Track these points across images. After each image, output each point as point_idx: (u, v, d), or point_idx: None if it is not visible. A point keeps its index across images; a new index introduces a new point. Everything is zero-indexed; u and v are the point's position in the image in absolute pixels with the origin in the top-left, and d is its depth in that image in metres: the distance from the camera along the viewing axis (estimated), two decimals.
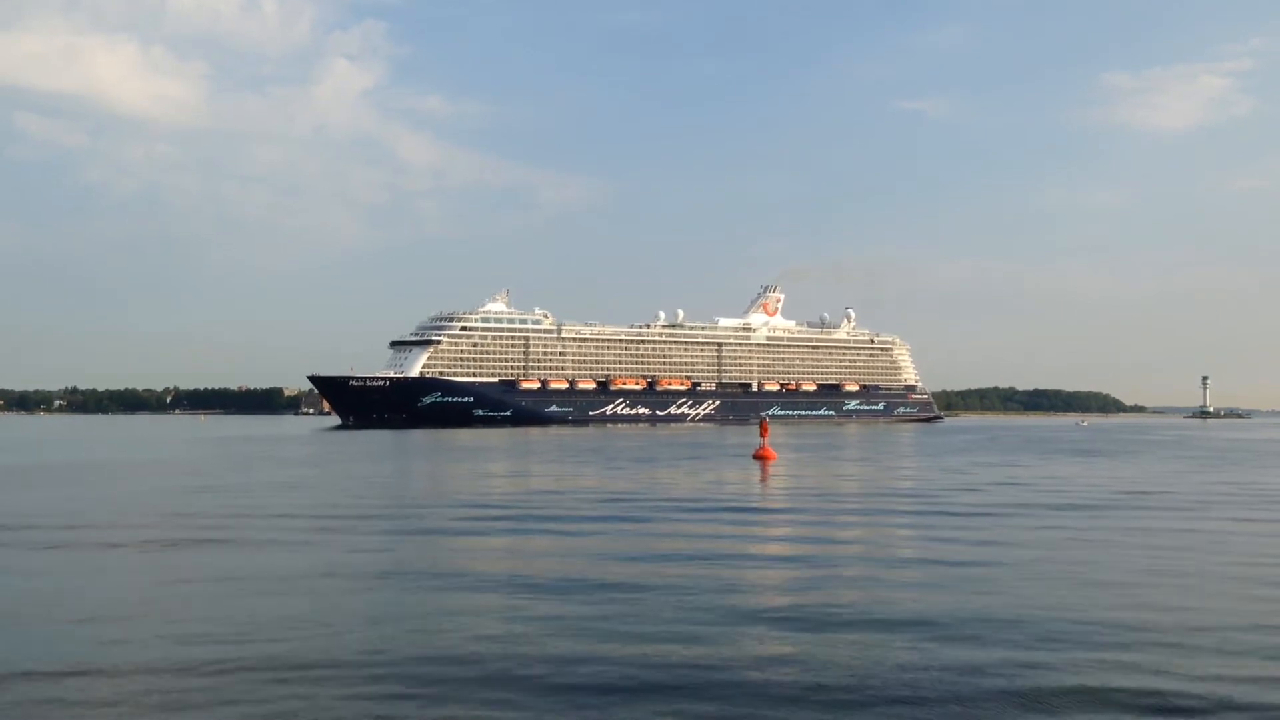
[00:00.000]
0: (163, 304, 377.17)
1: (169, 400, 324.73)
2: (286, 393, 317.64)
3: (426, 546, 20.32)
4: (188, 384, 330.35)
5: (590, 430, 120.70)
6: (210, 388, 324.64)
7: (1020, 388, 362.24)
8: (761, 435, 55.83)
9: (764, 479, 40.45)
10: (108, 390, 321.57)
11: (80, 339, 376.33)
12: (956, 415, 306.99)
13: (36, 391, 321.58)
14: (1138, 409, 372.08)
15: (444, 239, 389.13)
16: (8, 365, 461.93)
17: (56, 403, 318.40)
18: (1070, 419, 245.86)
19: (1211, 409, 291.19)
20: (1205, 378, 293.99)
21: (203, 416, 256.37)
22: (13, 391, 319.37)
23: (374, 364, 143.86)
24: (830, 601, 14.22)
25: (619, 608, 13.69)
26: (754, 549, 20.30)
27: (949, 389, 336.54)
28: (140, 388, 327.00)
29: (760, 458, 51.75)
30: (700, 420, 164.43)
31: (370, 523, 24.18)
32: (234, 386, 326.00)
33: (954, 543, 20.75)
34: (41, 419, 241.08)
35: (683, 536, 21.59)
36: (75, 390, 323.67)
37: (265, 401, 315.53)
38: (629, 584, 15.52)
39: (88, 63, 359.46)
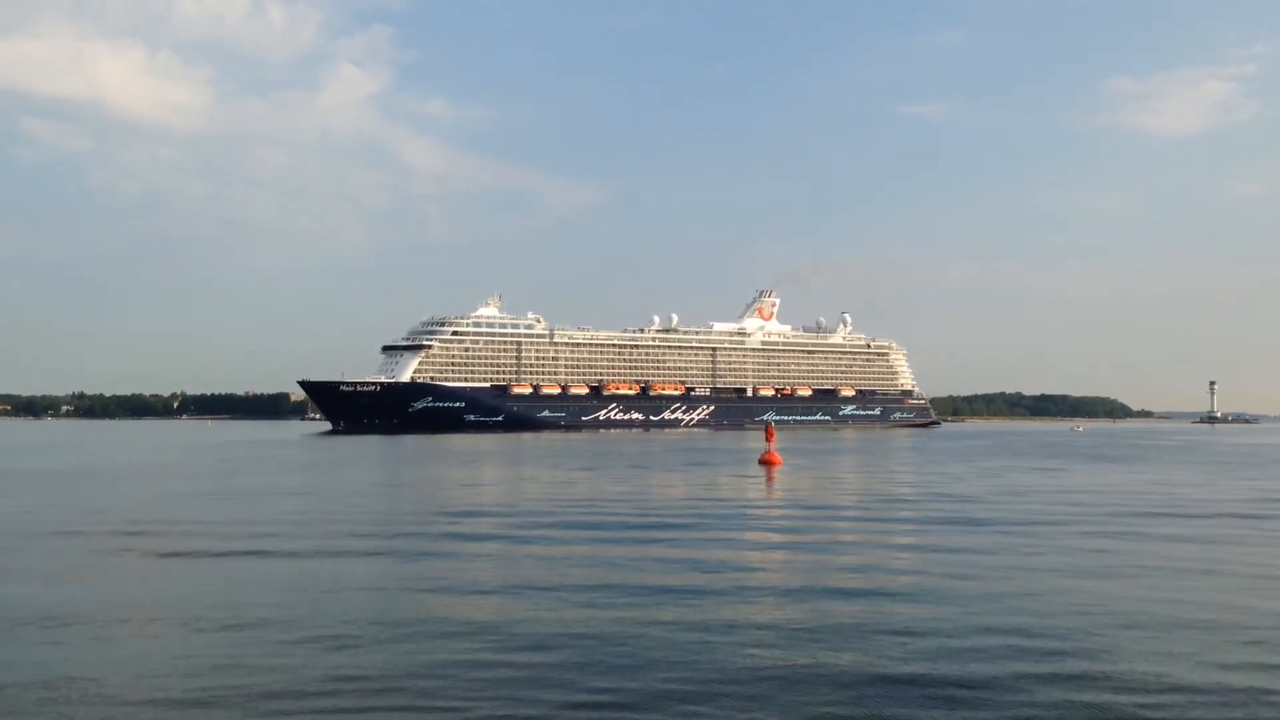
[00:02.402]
0: (168, 308, 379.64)
1: (176, 405, 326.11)
2: (293, 398, 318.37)
3: (397, 592, 16.64)
4: (195, 389, 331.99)
5: (583, 436, 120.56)
6: (217, 393, 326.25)
7: (1027, 393, 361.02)
8: (767, 440, 56.05)
9: (769, 486, 40.24)
10: (115, 395, 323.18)
11: (86, 343, 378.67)
12: (963, 420, 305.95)
13: (44, 397, 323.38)
14: (1145, 414, 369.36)
15: (447, 243, 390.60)
16: (14, 370, 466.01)
17: (64, 408, 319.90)
18: (1066, 425, 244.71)
19: (1219, 414, 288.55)
20: (1213, 382, 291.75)
21: (209, 422, 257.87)
22: (20, 397, 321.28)
23: (371, 369, 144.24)
24: (849, 659, 11.89)
25: (606, 656, 12.00)
26: (759, 580, 17.83)
27: (955, 394, 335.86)
28: (147, 393, 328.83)
29: (766, 462, 51.89)
30: (694, 426, 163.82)
31: (343, 542, 22.44)
32: (241, 391, 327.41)
33: (960, 552, 20.16)
34: (48, 424, 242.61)
35: (684, 564, 19.07)
36: (82, 395, 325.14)
37: (271, 406, 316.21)
38: (624, 626, 13.47)
39: (92, 68, 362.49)
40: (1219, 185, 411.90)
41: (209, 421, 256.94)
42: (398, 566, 19.12)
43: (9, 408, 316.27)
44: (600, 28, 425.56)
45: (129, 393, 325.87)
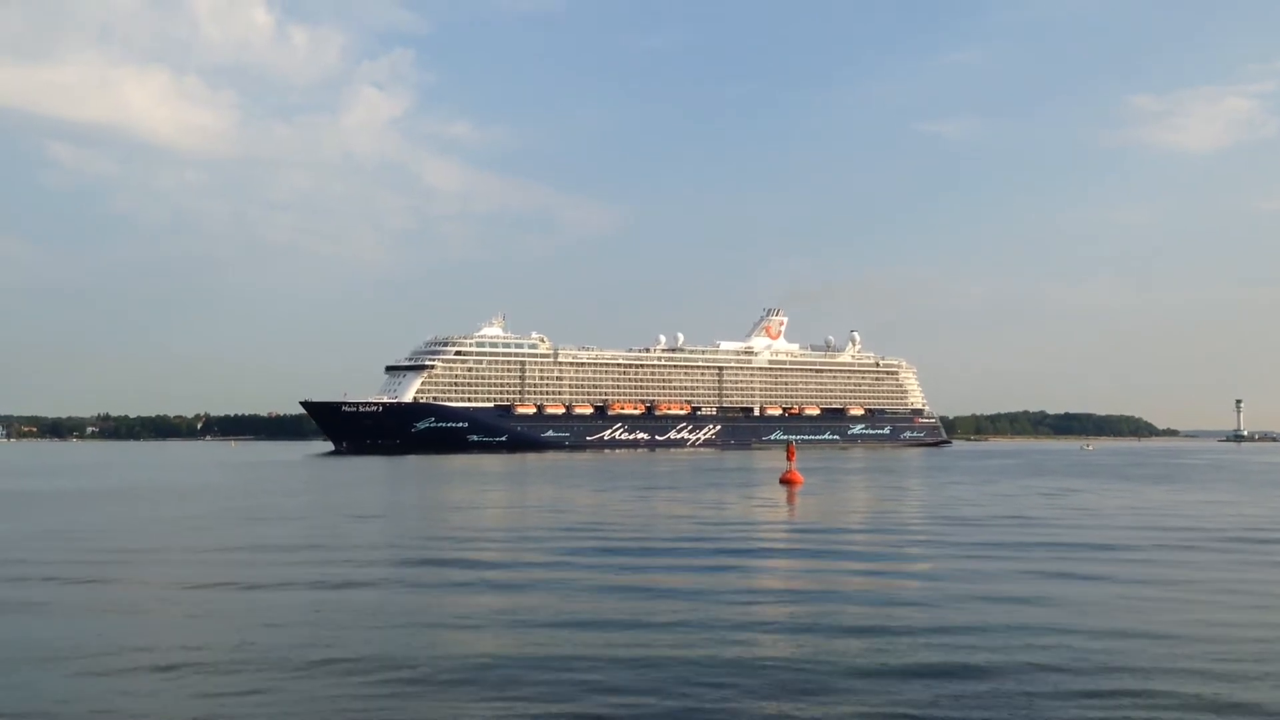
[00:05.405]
0: (193, 330, 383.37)
1: (199, 426, 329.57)
2: None
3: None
4: (219, 409, 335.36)
5: (588, 456, 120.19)
6: (240, 414, 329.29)
7: (1051, 411, 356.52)
8: (788, 459, 57.25)
9: (791, 506, 40.57)
10: (139, 416, 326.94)
11: (111, 365, 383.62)
12: (986, 439, 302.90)
13: (69, 418, 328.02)
14: (1170, 433, 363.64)
15: (468, 263, 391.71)
16: (40, 392, 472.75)
17: (89, 429, 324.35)
18: (1078, 443, 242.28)
19: (1245, 432, 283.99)
20: (1239, 401, 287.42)
21: (233, 443, 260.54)
22: (45, 418, 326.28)
23: (375, 389, 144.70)
24: None
25: None
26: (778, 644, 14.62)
27: (979, 413, 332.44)
28: (172, 414, 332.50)
29: (787, 481, 53.20)
30: (700, 445, 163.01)
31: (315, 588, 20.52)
32: (264, 412, 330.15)
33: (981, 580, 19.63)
34: (74, 445, 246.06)
35: (728, 624, 15.78)
36: (107, 417, 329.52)
37: (294, 427, 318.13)
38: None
39: (119, 93, 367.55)
40: (1242, 201, 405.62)
41: (233, 443, 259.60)
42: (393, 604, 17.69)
43: (35, 429, 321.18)
44: (622, 48, 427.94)
45: (153, 414, 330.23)
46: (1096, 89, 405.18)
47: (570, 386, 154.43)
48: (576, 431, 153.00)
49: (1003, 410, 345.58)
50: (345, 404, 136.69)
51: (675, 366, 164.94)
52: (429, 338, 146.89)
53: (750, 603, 17.73)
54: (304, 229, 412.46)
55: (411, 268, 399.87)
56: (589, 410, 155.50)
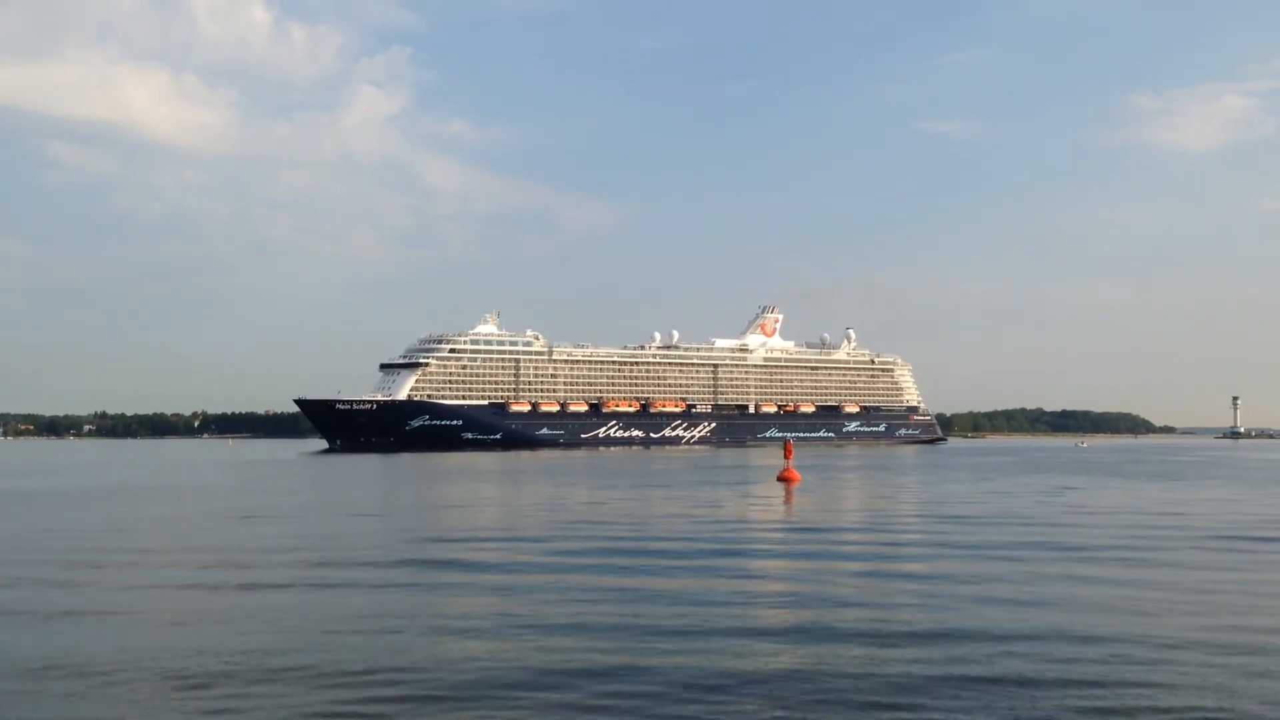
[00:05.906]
0: (190, 328, 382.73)
1: (197, 425, 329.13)
2: None
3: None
4: (216, 408, 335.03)
5: (583, 454, 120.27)
6: (238, 412, 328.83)
7: (1048, 409, 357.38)
8: (786, 457, 57.69)
9: (788, 505, 40.68)
10: (136, 415, 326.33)
11: (109, 363, 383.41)
12: (983, 436, 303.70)
13: (66, 416, 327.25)
14: (1167, 429, 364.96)
15: (469, 263, 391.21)
16: (37, 390, 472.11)
17: (86, 427, 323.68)
18: (1072, 440, 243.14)
19: (1242, 429, 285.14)
20: (1235, 398, 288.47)
21: (231, 441, 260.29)
22: (43, 416, 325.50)
23: (372, 387, 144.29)
24: None
25: None
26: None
27: (976, 410, 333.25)
28: (169, 412, 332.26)
29: (784, 479, 53.50)
30: (695, 443, 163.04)
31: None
32: (261, 410, 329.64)
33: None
34: (70, 443, 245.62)
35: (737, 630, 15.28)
36: (104, 415, 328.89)
37: (291, 425, 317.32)
38: None
39: (119, 92, 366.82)
40: (1241, 200, 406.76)
41: (230, 441, 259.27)
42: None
43: (31, 428, 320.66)
44: (622, 47, 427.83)
45: (151, 412, 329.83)
46: (1096, 89, 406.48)
47: (565, 384, 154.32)
48: (571, 429, 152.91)
49: (1000, 408, 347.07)
50: (339, 402, 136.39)
51: (670, 364, 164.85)
52: (423, 335, 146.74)
53: (749, 603, 17.74)
54: (304, 229, 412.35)
55: (411, 268, 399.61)
56: (584, 408, 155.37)
